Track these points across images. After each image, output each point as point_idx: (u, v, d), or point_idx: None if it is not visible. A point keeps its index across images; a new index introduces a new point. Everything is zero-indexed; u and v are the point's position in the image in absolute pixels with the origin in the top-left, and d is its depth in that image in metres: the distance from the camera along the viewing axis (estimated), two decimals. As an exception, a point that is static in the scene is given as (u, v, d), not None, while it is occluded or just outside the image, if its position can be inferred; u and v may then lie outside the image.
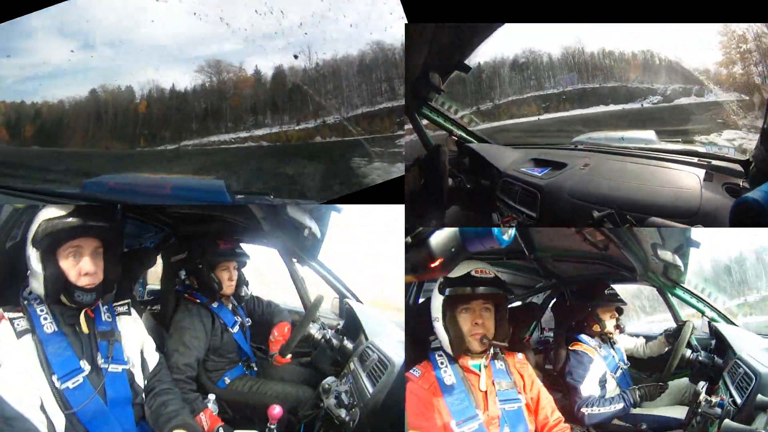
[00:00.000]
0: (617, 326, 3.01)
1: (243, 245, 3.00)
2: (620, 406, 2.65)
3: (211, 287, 2.79)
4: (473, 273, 2.05)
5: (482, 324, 2.04)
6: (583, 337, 2.93)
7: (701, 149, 3.12)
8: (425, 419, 1.90)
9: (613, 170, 2.96)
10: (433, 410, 1.93)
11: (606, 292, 2.95)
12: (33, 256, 1.89)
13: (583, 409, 2.67)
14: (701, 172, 2.68)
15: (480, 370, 2.04)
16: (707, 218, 2.39)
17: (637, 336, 3.31)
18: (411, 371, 2.04)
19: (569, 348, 2.90)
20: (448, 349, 2.05)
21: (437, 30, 3.00)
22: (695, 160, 2.85)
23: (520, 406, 2.06)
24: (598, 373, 2.81)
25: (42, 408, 1.78)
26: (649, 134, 3.62)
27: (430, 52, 3.15)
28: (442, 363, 2.04)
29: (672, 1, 2.91)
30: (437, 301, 2.07)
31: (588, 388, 2.73)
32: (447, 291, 2.04)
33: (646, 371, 3.24)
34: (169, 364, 2.44)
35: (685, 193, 2.56)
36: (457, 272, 2.06)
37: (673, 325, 3.17)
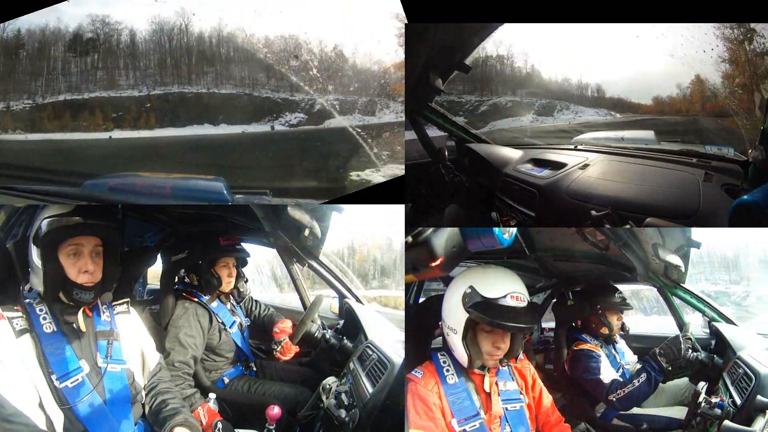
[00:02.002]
0: (620, 327, 3.00)
1: (243, 244, 3.00)
2: (643, 377, 2.52)
3: (210, 283, 2.81)
4: (509, 299, 1.90)
5: (503, 347, 1.96)
6: (586, 336, 2.92)
7: (700, 150, 3.11)
8: (428, 419, 1.90)
9: (612, 171, 2.96)
10: (435, 411, 1.92)
11: (616, 295, 2.90)
12: (34, 252, 1.90)
13: (611, 396, 2.60)
14: (701, 173, 2.68)
15: (484, 371, 2.03)
16: (706, 219, 2.39)
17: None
18: (413, 372, 2.02)
19: (575, 348, 2.87)
20: (464, 363, 1.99)
21: (437, 30, 2.99)
22: (694, 160, 2.86)
23: (522, 406, 2.06)
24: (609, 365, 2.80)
25: (41, 405, 1.79)
26: (649, 134, 3.61)
27: (430, 53, 3.15)
28: (444, 362, 2.02)
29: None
30: (460, 316, 1.94)
31: (607, 376, 2.69)
32: (474, 313, 1.89)
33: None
34: (165, 361, 2.44)
35: (684, 194, 2.56)
36: (492, 290, 1.91)
37: (673, 325, 3.18)
